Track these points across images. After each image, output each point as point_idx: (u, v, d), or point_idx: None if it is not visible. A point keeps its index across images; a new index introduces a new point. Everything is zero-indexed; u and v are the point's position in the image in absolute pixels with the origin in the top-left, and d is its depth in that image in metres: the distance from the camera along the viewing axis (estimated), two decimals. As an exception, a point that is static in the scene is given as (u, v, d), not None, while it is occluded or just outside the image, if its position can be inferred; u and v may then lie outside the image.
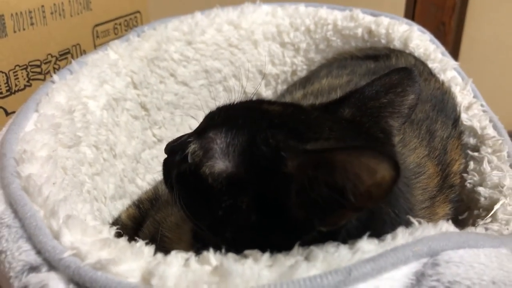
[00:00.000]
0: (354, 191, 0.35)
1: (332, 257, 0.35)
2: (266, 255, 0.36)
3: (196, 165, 0.47)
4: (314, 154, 0.39)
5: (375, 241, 0.38)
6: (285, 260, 0.35)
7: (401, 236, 0.39)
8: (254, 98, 0.59)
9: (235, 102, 0.55)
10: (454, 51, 1.67)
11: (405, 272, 0.36)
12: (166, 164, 0.52)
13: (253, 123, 0.46)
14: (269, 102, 0.53)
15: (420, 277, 0.36)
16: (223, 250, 0.37)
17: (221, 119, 0.50)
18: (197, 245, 0.48)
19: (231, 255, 0.36)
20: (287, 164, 0.40)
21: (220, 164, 0.46)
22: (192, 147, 0.48)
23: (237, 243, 0.41)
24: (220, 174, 0.45)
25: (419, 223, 0.42)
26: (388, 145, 0.50)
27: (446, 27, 1.64)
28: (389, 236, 0.39)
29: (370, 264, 0.35)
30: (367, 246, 0.37)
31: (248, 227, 0.42)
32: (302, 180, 0.38)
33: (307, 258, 0.36)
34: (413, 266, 0.37)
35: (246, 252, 0.37)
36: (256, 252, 0.36)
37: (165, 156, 0.54)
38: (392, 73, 0.53)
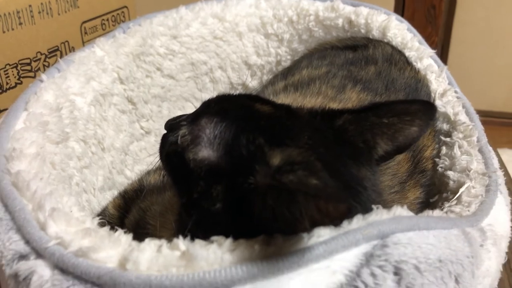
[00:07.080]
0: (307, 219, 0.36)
1: (290, 242, 0.39)
2: (229, 240, 0.40)
3: (183, 148, 0.50)
4: (279, 183, 0.38)
5: (331, 226, 0.41)
6: (246, 245, 0.39)
7: (356, 221, 0.42)
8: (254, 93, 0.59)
9: (234, 94, 0.58)
10: (446, 34, 1.68)
11: (355, 253, 0.40)
12: (163, 140, 0.55)
13: (242, 121, 0.49)
14: (263, 101, 0.53)
15: (369, 257, 0.40)
16: (188, 237, 0.41)
17: (216, 109, 0.52)
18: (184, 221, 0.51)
19: (198, 241, 0.40)
20: (256, 177, 0.42)
21: (204, 152, 0.49)
22: (182, 130, 0.51)
23: (200, 226, 0.45)
24: (202, 161, 0.49)
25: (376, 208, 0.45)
26: (367, 156, 0.51)
27: (437, 10, 1.65)
28: (345, 222, 0.42)
29: (322, 247, 0.38)
30: (323, 231, 0.40)
31: (211, 214, 0.45)
32: (264, 196, 0.39)
33: (267, 243, 0.39)
34: (363, 248, 0.40)
35: (212, 238, 0.40)
36: (220, 238, 0.40)
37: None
38: (416, 102, 0.52)
